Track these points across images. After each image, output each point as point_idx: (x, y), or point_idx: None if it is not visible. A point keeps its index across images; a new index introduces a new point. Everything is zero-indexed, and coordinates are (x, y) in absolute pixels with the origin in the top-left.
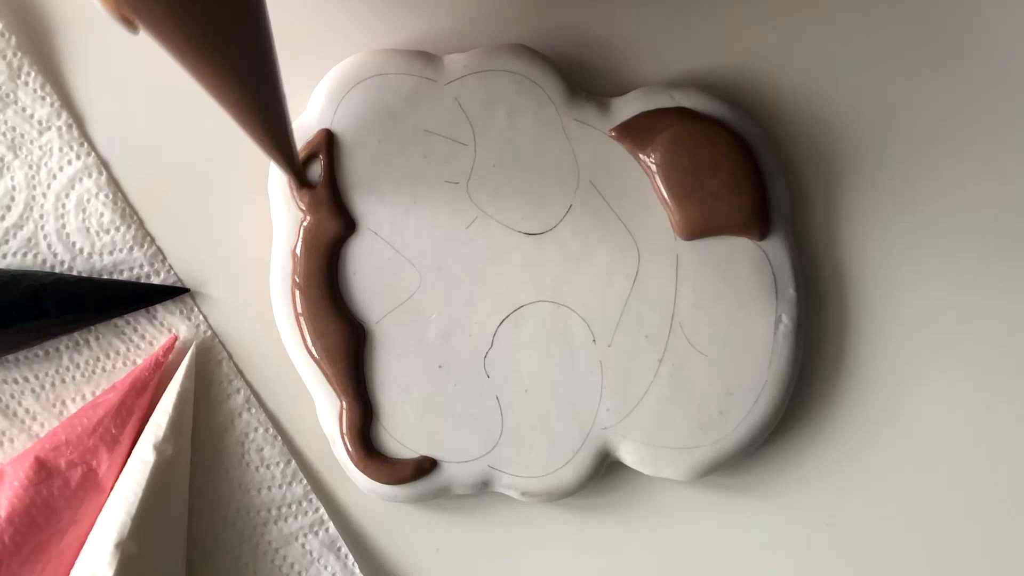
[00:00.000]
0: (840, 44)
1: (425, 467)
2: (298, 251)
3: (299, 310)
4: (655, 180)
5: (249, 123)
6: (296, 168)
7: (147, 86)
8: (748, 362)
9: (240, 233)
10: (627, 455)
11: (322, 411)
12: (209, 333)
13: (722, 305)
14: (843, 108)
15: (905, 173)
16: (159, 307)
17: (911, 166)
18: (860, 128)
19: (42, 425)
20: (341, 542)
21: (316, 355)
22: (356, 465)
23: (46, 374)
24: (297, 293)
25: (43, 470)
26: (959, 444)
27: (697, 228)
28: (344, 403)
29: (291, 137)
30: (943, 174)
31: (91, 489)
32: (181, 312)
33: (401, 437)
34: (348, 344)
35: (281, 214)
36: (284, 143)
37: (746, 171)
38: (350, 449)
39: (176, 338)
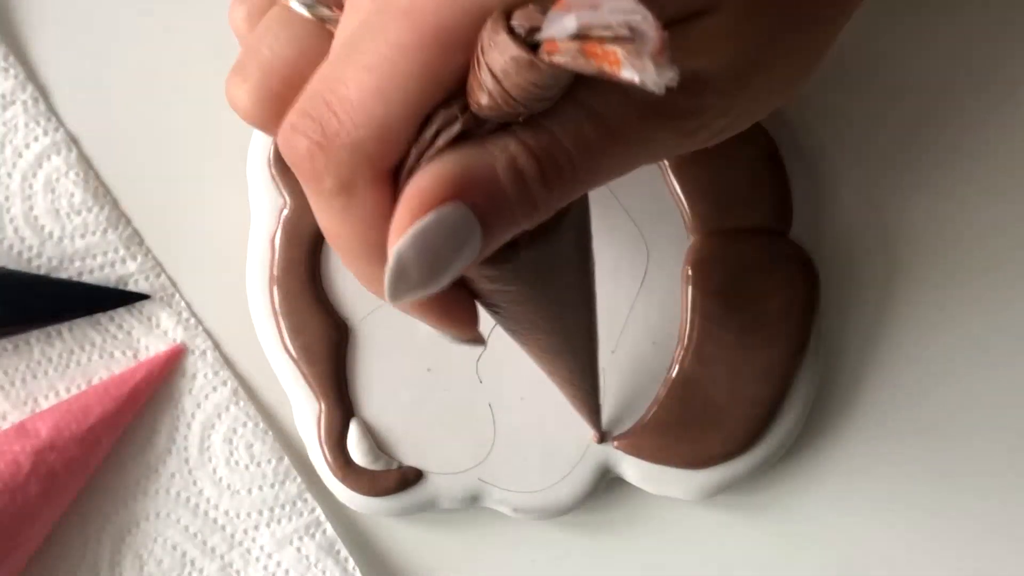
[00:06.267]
0: (864, 26)
1: (410, 478)
2: (277, 240)
3: (276, 304)
4: (667, 174)
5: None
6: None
7: (117, 55)
8: (765, 372)
9: (223, 210)
10: (629, 471)
11: (300, 415)
12: (192, 320)
13: (737, 309)
14: (874, 95)
15: (938, 165)
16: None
17: (944, 158)
18: (892, 117)
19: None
20: (340, 544)
21: (294, 353)
22: (335, 474)
23: (16, 369)
24: (275, 286)
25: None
26: (996, 459)
27: (712, 225)
28: (323, 406)
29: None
30: (978, 167)
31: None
32: (161, 299)
33: (384, 445)
34: (329, 342)
35: (260, 199)
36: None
37: (767, 164)
38: (328, 457)
39: (181, 350)
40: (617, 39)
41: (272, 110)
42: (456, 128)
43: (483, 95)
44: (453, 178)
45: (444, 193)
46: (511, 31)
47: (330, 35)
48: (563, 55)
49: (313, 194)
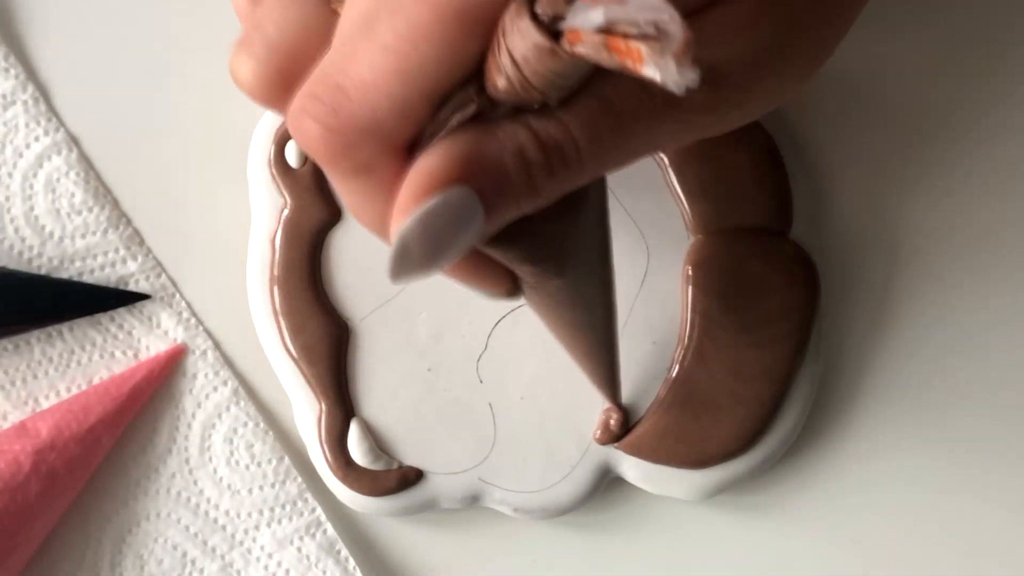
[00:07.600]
0: (864, 27)
1: (410, 478)
2: (277, 240)
3: (277, 304)
4: (667, 172)
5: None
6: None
7: (117, 55)
8: (765, 371)
9: (223, 210)
10: (630, 471)
11: (300, 415)
12: (192, 320)
13: (738, 309)
14: (874, 95)
15: (938, 165)
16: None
17: (944, 158)
18: (892, 117)
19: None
20: (340, 544)
21: (295, 353)
22: (335, 474)
23: (16, 369)
24: (275, 286)
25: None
26: (996, 457)
27: (712, 225)
28: (324, 406)
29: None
30: (978, 166)
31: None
32: (162, 299)
33: (385, 445)
34: (330, 342)
35: (260, 199)
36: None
37: (767, 163)
38: (329, 457)
39: (181, 350)
40: (642, 36)
41: (279, 88)
42: (471, 109)
43: (501, 78)
44: (460, 160)
45: (450, 175)
46: (535, 17)
47: (335, 14)
48: (586, 47)
49: (330, 174)
